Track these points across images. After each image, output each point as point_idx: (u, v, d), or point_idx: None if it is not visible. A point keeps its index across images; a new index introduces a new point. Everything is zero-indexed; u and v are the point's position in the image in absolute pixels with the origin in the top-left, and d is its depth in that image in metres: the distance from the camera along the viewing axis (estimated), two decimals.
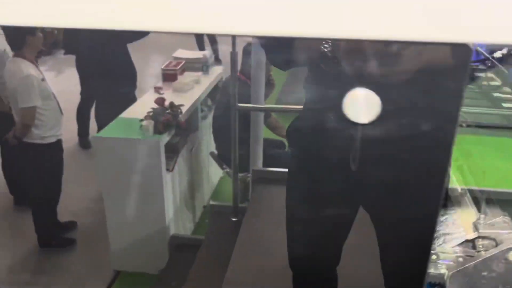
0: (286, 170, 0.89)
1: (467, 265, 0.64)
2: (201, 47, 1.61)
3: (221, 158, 1.26)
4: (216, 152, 1.30)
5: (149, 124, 1.12)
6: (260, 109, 1.10)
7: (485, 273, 0.64)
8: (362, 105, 0.64)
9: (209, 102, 1.39)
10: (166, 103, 1.17)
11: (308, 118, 0.73)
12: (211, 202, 1.18)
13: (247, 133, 1.16)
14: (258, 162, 1.19)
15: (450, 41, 0.60)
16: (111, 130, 1.13)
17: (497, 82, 0.76)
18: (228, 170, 1.19)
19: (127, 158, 1.10)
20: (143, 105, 1.22)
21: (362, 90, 0.59)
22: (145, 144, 1.10)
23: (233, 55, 1.02)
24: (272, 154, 1.30)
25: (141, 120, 1.13)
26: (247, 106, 1.07)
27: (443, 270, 0.65)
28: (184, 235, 1.23)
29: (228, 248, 1.06)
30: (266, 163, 1.22)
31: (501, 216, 0.66)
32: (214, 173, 1.42)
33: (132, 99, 1.34)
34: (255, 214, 1.09)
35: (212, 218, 1.15)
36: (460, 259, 0.65)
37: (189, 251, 1.17)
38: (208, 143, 1.35)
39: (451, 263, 0.65)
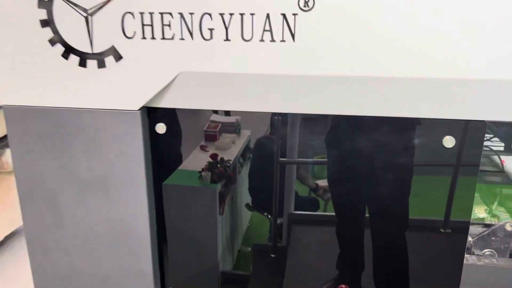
0: (314, 213, 1.24)
1: (483, 233, 1.16)
2: (227, 113, 1.86)
3: (258, 208, 1.49)
4: (250, 203, 1.52)
5: (207, 175, 1.35)
6: (299, 162, 1.36)
7: (493, 238, 1.16)
8: None
9: (241, 160, 1.64)
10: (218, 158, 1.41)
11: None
12: (254, 242, 1.39)
13: (281, 183, 1.41)
14: (291, 207, 1.43)
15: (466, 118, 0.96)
16: (175, 179, 1.34)
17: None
18: (269, 216, 1.42)
19: (189, 202, 1.32)
20: (193, 160, 1.45)
21: None
22: (205, 191, 1.33)
23: (277, 120, 1.30)
24: None
25: (200, 172, 1.36)
26: (288, 160, 1.33)
27: (469, 238, 1.15)
28: (232, 271, 1.42)
29: (274, 278, 1.27)
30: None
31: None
32: (244, 221, 1.63)
33: (179, 156, 1.55)
34: (295, 249, 1.32)
35: (255, 256, 1.36)
36: (479, 230, 1.20)
37: (237, 285, 1.37)
38: (241, 194, 1.58)
39: (474, 234, 1.18)
